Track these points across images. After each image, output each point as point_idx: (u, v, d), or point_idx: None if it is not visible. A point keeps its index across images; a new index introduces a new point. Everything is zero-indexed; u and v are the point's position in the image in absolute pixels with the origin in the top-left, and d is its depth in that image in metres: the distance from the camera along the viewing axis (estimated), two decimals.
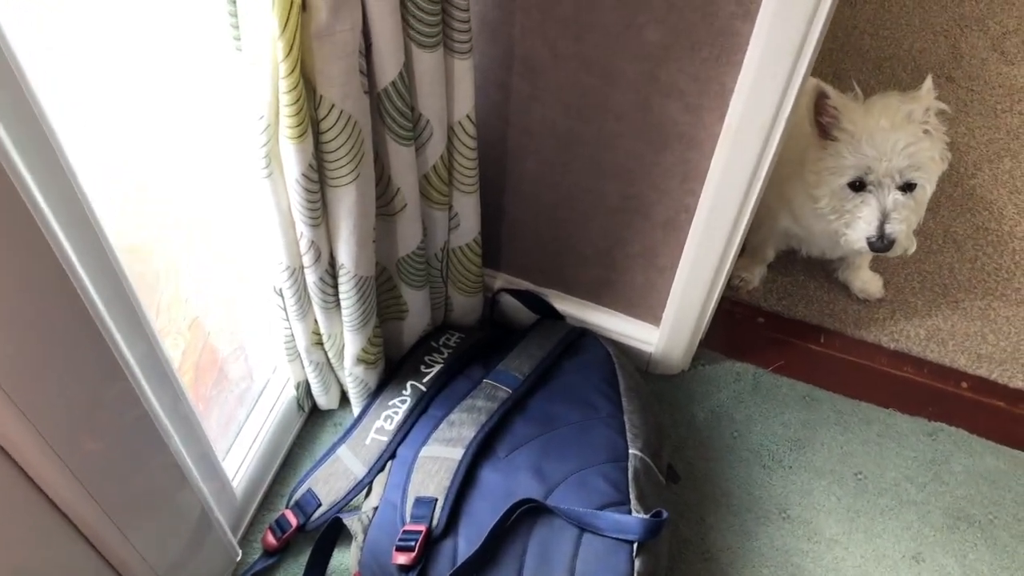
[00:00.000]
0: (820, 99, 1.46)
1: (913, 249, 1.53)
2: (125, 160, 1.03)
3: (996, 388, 1.71)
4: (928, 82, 1.48)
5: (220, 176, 1.19)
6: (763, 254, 1.81)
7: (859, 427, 1.64)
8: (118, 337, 0.90)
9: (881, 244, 1.49)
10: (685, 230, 1.38)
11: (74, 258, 0.81)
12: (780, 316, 1.81)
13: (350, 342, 1.34)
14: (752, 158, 1.21)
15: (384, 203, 1.24)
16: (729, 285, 1.83)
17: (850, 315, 1.81)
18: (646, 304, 1.58)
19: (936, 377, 1.72)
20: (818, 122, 1.49)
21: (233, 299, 1.37)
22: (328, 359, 1.43)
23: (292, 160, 1.02)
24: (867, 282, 1.82)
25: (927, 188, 1.49)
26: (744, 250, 1.81)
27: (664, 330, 1.58)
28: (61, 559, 0.99)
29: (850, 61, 2.29)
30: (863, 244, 1.51)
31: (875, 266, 1.85)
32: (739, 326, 1.79)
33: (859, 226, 1.50)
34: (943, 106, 1.48)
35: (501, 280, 1.67)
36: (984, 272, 1.88)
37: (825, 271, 1.86)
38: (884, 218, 1.47)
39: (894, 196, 1.47)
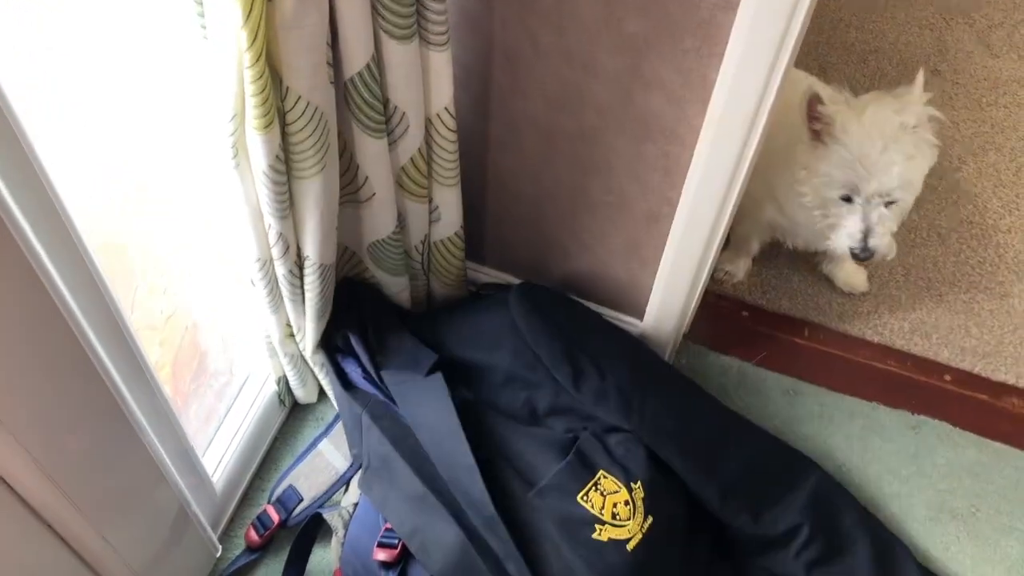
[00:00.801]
0: (812, 103, 1.44)
1: (893, 254, 1.53)
2: (97, 152, 1.02)
3: (979, 381, 1.71)
4: (920, 79, 1.46)
5: (194, 169, 1.18)
6: (748, 247, 1.80)
7: (843, 420, 1.64)
8: (90, 333, 0.89)
9: (864, 255, 1.50)
10: (668, 223, 1.37)
11: (42, 252, 0.79)
12: (764, 309, 1.80)
13: (311, 330, 1.34)
14: (735, 151, 1.20)
15: (352, 191, 1.23)
16: (713, 279, 1.83)
17: (834, 308, 1.81)
18: (630, 297, 1.57)
19: (920, 370, 1.72)
20: (811, 121, 1.46)
21: (211, 292, 1.36)
22: (300, 351, 1.42)
23: (259, 151, 1.00)
24: (851, 275, 1.82)
25: (911, 199, 1.50)
26: (728, 243, 1.80)
27: (648, 323, 1.57)
28: (34, 557, 0.98)
29: (835, 54, 2.28)
30: (845, 251, 1.52)
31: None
32: (724, 320, 1.78)
33: (842, 234, 1.50)
34: (937, 113, 1.46)
35: (484, 274, 1.66)
36: (968, 265, 1.88)
37: (809, 264, 1.86)
38: (868, 231, 1.48)
39: (879, 211, 1.46)
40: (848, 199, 1.47)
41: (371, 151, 1.15)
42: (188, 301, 1.31)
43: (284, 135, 1.04)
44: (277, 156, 1.03)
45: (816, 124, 1.45)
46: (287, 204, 1.12)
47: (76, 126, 0.96)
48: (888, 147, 1.41)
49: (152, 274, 1.20)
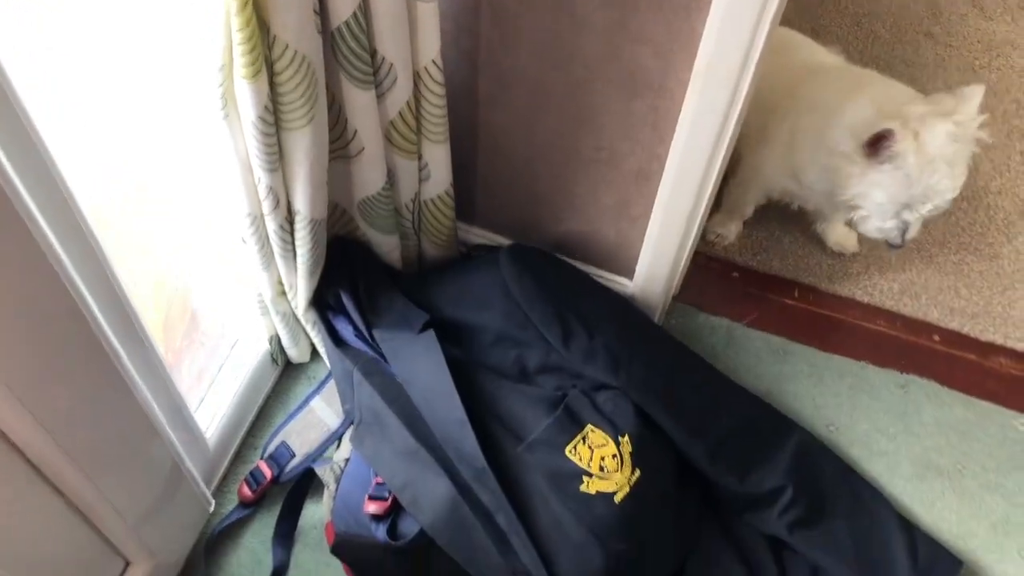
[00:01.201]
0: (883, 138, 1.40)
1: None
2: (97, 152, 1.03)
3: (968, 341, 1.72)
4: (978, 96, 1.43)
5: (183, 125, 1.18)
6: (742, 211, 1.81)
7: (832, 379, 1.65)
8: (83, 288, 0.90)
9: (899, 247, 1.53)
10: (657, 179, 1.38)
11: (32, 205, 0.80)
12: (755, 271, 1.81)
13: (303, 287, 1.34)
14: (722, 105, 1.20)
15: (341, 145, 1.23)
16: (704, 240, 1.83)
17: (824, 269, 1.82)
18: (620, 257, 1.58)
19: (909, 330, 1.73)
20: (873, 147, 1.43)
21: (203, 250, 1.36)
22: (292, 309, 1.43)
23: (248, 101, 1.01)
24: (843, 236, 1.82)
25: None
26: (720, 206, 1.81)
27: (638, 283, 1.58)
28: (32, 510, 0.99)
29: (828, 16, 2.27)
30: (878, 238, 1.54)
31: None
32: (714, 281, 1.79)
33: (876, 226, 1.52)
34: (986, 136, 1.45)
35: (475, 235, 1.66)
36: (958, 227, 1.89)
37: (800, 226, 1.86)
38: (906, 228, 1.50)
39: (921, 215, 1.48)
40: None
41: (359, 103, 1.15)
42: (178, 259, 1.31)
43: (272, 85, 1.04)
44: (265, 106, 1.03)
45: (882, 149, 1.42)
46: (277, 157, 1.12)
47: (75, 126, 0.96)
48: (946, 172, 1.41)
49: (140, 236, 1.20)
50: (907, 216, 1.48)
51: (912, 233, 1.51)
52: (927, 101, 1.45)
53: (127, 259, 1.15)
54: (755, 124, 1.65)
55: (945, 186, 1.42)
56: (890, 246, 1.55)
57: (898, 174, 1.42)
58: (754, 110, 1.63)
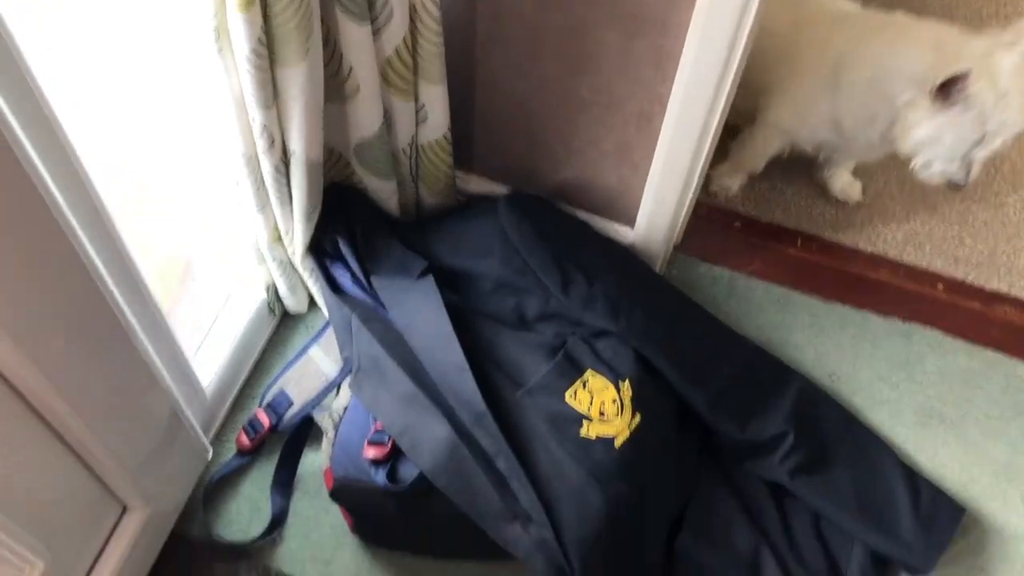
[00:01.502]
0: (959, 81, 1.36)
1: None
2: (97, 152, 1.02)
3: (972, 290, 1.71)
4: None
5: (176, 63, 1.16)
6: (755, 165, 1.78)
7: (834, 329, 1.64)
8: (80, 234, 0.89)
9: (963, 187, 1.50)
10: (659, 123, 1.35)
11: (33, 154, 0.79)
12: (757, 221, 1.79)
13: (300, 232, 1.33)
14: (726, 41, 1.18)
15: (336, 85, 1.21)
16: (707, 191, 1.81)
17: (827, 219, 1.80)
18: (621, 204, 1.56)
19: (912, 279, 1.72)
20: (942, 91, 1.39)
21: (198, 196, 1.35)
22: (289, 256, 1.41)
23: (241, 34, 0.98)
24: (848, 185, 1.80)
25: None
26: (727, 159, 1.79)
27: (639, 231, 1.56)
28: (33, 455, 0.99)
29: None
30: (940, 181, 1.51)
31: (854, 170, 1.83)
32: (716, 231, 1.77)
33: (942, 169, 1.48)
34: None
35: (474, 183, 1.64)
36: None
37: (804, 175, 1.84)
38: (971, 167, 1.47)
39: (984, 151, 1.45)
40: None
41: (354, 38, 1.13)
42: (174, 205, 1.30)
43: (266, 18, 1.01)
44: (259, 39, 1.01)
45: (953, 91, 1.38)
46: (271, 94, 1.10)
47: (76, 126, 0.95)
48: (1018, 105, 1.38)
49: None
50: (976, 154, 1.45)
51: (976, 172, 1.48)
52: (984, 37, 1.42)
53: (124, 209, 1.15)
54: (773, 79, 1.63)
55: (1016, 119, 1.39)
56: (953, 186, 1.51)
57: (970, 114, 1.39)
58: (771, 65, 1.61)
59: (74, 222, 0.87)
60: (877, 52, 1.52)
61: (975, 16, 2.14)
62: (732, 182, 1.81)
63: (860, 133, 1.58)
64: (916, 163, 1.50)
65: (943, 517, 1.39)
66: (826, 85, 1.58)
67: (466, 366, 1.24)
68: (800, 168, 1.83)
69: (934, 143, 1.45)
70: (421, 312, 1.33)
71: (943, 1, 2.17)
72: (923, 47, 1.45)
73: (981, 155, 1.45)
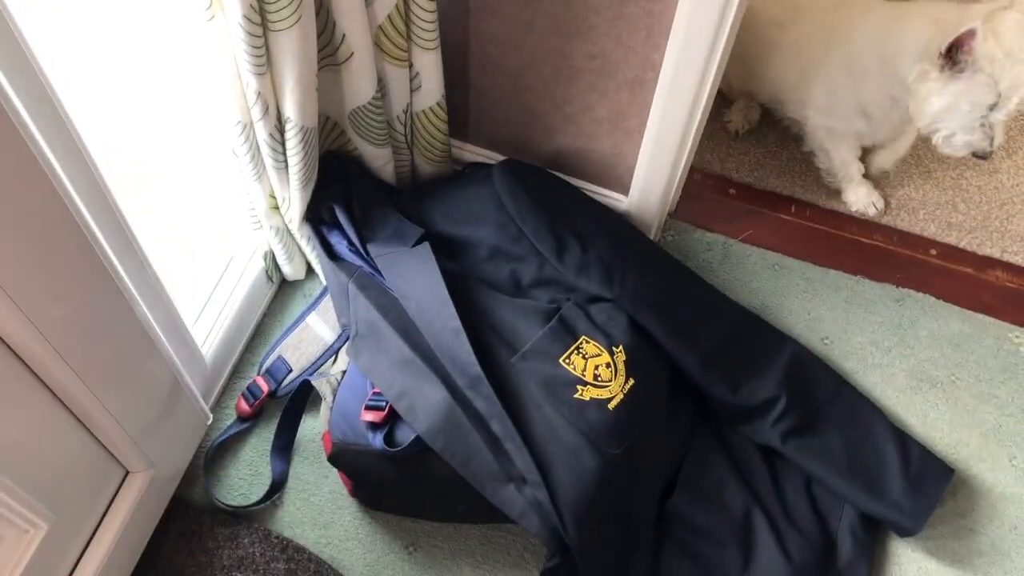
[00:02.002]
0: (966, 39, 1.38)
1: None
2: (95, 130, 1.02)
3: (965, 255, 1.72)
4: None
5: (171, 32, 1.16)
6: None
7: (827, 294, 1.65)
8: (78, 200, 0.90)
9: (989, 155, 1.51)
10: (652, 89, 1.36)
11: (29, 120, 0.80)
12: (751, 187, 1.80)
13: (296, 200, 1.34)
14: (717, 6, 1.18)
15: (330, 52, 1.21)
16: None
17: (822, 186, 1.81)
18: (615, 172, 1.57)
19: (905, 245, 1.73)
20: (949, 56, 1.41)
21: (196, 172, 1.36)
22: (286, 224, 1.42)
23: None
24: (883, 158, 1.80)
25: None
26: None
27: (633, 198, 1.57)
28: (35, 419, 1.01)
29: None
30: (965, 152, 1.52)
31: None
32: (710, 198, 1.78)
33: (962, 140, 1.50)
34: None
35: (469, 152, 1.65)
36: None
37: (798, 142, 1.84)
38: (992, 133, 1.48)
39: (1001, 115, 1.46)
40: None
41: (347, 4, 1.13)
42: (169, 172, 1.31)
43: None
44: (251, 5, 1.01)
45: (961, 57, 1.40)
46: (264, 59, 1.10)
47: (75, 104, 0.95)
48: None
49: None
50: (994, 117, 1.46)
51: (999, 138, 1.49)
52: (979, 5, 1.44)
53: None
54: (790, 77, 1.68)
55: None
56: (978, 157, 1.53)
57: (980, 77, 1.41)
58: (783, 59, 1.67)
59: (72, 191, 0.89)
60: (879, 34, 1.53)
61: None
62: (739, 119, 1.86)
63: (886, 117, 1.61)
64: (937, 138, 1.52)
65: (932, 478, 1.41)
66: (843, 75, 1.60)
67: (461, 330, 1.25)
68: (794, 135, 1.83)
69: (951, 112, 1.47)
70: (417, 278, 1.34)
71: None
72: (923, 22, 1.47)
73: (1000, 117, 1.46)
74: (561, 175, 1.60)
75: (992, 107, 1.44)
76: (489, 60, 1.45)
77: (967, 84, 1.42)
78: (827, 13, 1.62)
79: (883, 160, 1.81)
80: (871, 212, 1.77)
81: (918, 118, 1.51)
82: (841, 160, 1.73)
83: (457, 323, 1.26)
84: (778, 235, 1.72)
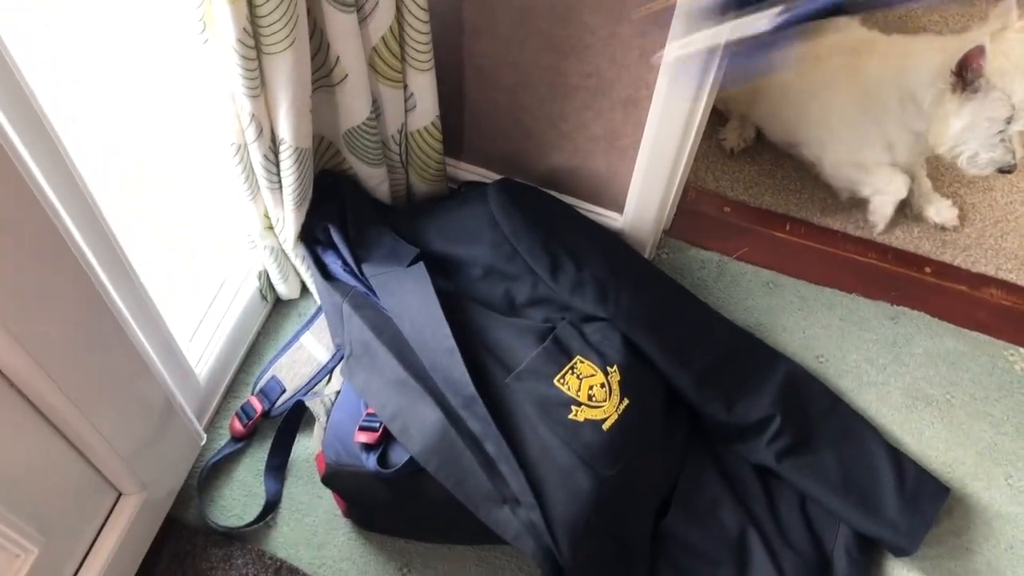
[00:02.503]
0: (975, 57, 1.43)
1: None
2: (97, 131, 1.03)
3: (959, 273, 1.72)
4: (1013, 6, 1.47)
5: (168, 53, 1.17)
6: (898, 191, 1.75)
7: (822, 311, 1.65)
8: (72, 228, 0.91)
9: (1013, 168, 1.55)
10: (646, 108, 1.36)
11: (18, 142, 0.80)
12: (746, 205, 1.80)
13: (290, 220, 1.34)
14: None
15: (324, 73, 1.22)
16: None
17: (816, 203, 1.81)
18: (610, 191, 1.57)
19: (900, 262, 1.73)
20: (960, 76, 1.47)
21: (195, 173, 1.35)
22: (280, 244, 1.42)
23: (227, 22, 0.99)
24: (946, 208, 1.80)
25: None
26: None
27: (628, 217, 1.57)
28: (27, 442, 1.00)
29: None
30: (991, 170, 1.56)
31: None
32: (705, 215, 1.78)
33: (986, 158, 1.54)
34: None
35: (464, 171, 1.65)
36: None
37: (793, 160, 1.85)
38: (1013, 147, 1.52)
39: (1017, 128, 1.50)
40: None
41: (341, 27, 1.13)
42: (168, 201, 1.31)
43: (251, 6, 1.02)
44: (244, 28, 1.02)
45: (972, 75, 1.46)
46: (258, 82, 1.11)
47: (73, 103, 0.95)
48: None
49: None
50: (1012, 130, 1.49)
51: (1020, 150, 1.53)
52: (975, 30, 1.49)
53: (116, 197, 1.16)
54: (806, 118, 1.73)
55: None
56: (1004, 171, 1.56)
57: (994, 93, 1.45)
58: (813, 109, 1.70)
59: (63, 212, 0.89)
60: (893, 73, 1.58)
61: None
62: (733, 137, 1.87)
63: (910, 152, 1.66)
64: (962, 160, 1.56)
65: (927, 497, 1.40)
66: (865, 116, 1.64)
67: (456, 349, 1.25)
68: (789, 153, 1.84)
69: (971, 131, 1.51)
70: (412, 297, 1.34)
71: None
72: (931, 52, 1.52)
73: (1017, 128, 1.49)
74: (556, 193, 1.61)
75: (1008, 120, 1.48)
76: (484, 79, 1.46)
77: (982, 102, 1.47)
78: (843, 57, 1.66)
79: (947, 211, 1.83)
80: (953, 223, 1.78)
81: (939, 143, 1.55)
82: (885, 179, 1.72)
83: (451, 343, 1.26)
84: (773, 253, 1.72)
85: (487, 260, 1.42)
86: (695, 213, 1.77)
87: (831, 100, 1.68)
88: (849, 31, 1.72)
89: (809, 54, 1.68)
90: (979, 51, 1.42)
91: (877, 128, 1.64)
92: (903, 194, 1.71)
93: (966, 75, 1.46)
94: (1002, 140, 1.51)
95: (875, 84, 1.61)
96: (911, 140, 1.63)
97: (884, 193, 1.72)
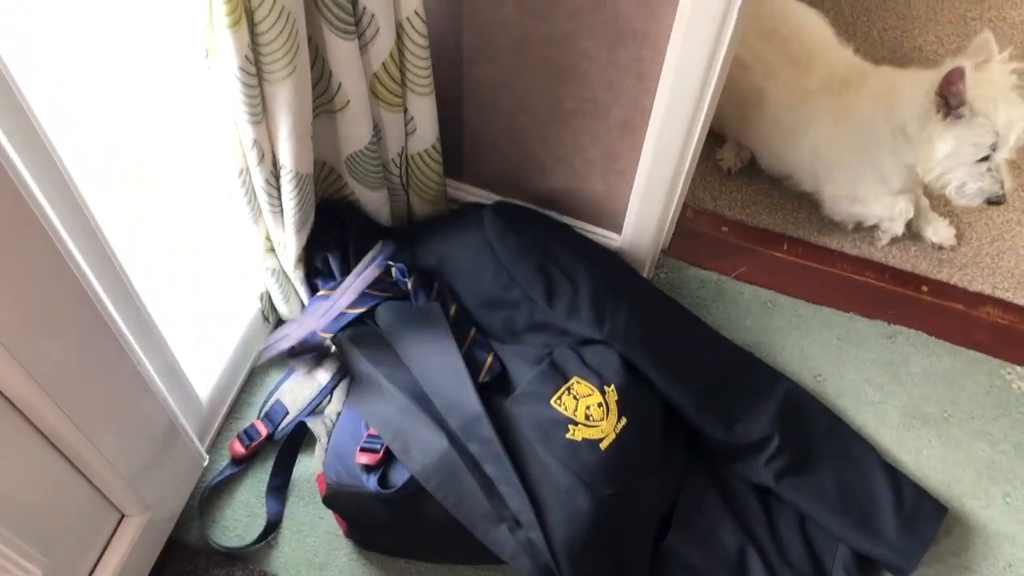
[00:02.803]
0: (955, 77, 1.46)
1: None
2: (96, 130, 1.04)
3: (956, 291, 1.73)
4: (991, 40, 1.50)
5: (170, 80, 1.19)
6: (904, 215, 1.77)
7: (820, 331, 1.66)
8: (74, 250, 0.91)
9: (1001, 200, 1.57)
10: (643, 132, 1.38)
11: (20, 165, 0.81)
12: (744, 224, 1.82)
13: (292, 243, 1.35)
14: (706, 51, 1.20)
15: (326, 100, 1.23)
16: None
17: (814, 223, 1.82)
18: (608, 211, 1.58)
19: (897, 282, 1.74)
20: (943, 99, 1.50)
21: (196, 174, 1.37)
22: (282, 266, 1.44)
23: (229, 51, 1.01)
24: (942, 228, 1.81)
25: None
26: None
27: (626, 237, 1.59)
28: (29, 464, 1.01)
29: None
30: (979, 201, 1.58)
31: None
32: (703, 235, 1.79)
33: (974, 189, 1.56)
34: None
35: (464, 191, 1.67)
36: None
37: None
38: (1001, 178, 1.55)
39: (1003, 158, 1.53)
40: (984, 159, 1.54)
41: (342, 54, 1.15)
42: (170, 226, 1.32)
43: (253, 35, 1.04)
44: (246, 57, 1.04)
45: (954, 100, 1.48)
46: (260, 109, 1.12)
47: (74, 102, 0.97)
48: (1017, 101, 1.48)
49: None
50: (997, 158, 1.52)
51: (1008, 180, 1.56)
52: (958, 60, 1.51)
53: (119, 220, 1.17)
54: (808, 158, 1.74)
55: (1021, 112, 1.48)
56: (993, 203, 1.59)
57: (977, 119, 1.48)
58: (806, 145, 1.72)
59: (65, 235, 0.89)
60: (883, 108, 1.61)
61: (959, 20, 2.16)
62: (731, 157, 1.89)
63: (903, 184, 1.69)
64: (950, 190, 1.58)
65: (926, 516, 1.41)
66: (857, 153, 1.67)
67: (465, 371, 1.27)
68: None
69: (955, 157, 1.53)
70: (415, 318, 1.36)
71: (928, 6, 2.19)
72: (916, 84, 1.55)
73: (1003, 156, 1.52)
74: (554, 214, 1.62)
75: (993, 147, 1.50)
76: (483, 102, 1.48)
77: (966, 128, 1.49)
78: (833, 93, 1.68)
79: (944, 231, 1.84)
80: (951, 242, 1.79)
81: (925, 169, 1.57)
82: (887, 208, 1.74)
83: (460, 364, 1.27)
84: (771, 272, 1.74)
85: (487, 290, 1.44)
86: (693, 233, 1.78)
87: (822, 136, 1.70)
88: (840, 61, 1.73)
89: (799, 87, 1.70)
90: (959, 73, 1.44)
91: (870, 162, 1.67)
92: (910, 214, 1.73)
93: (949, 99, 1.48)
94: (989, 169, 1.53)
95: (867, 120, 1.63)
96: (904, 172, 1.65)
97: (891, 220, 1.74)
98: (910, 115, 1.55)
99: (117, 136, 1.12)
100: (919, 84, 1.55)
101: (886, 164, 1.65)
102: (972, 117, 1.48)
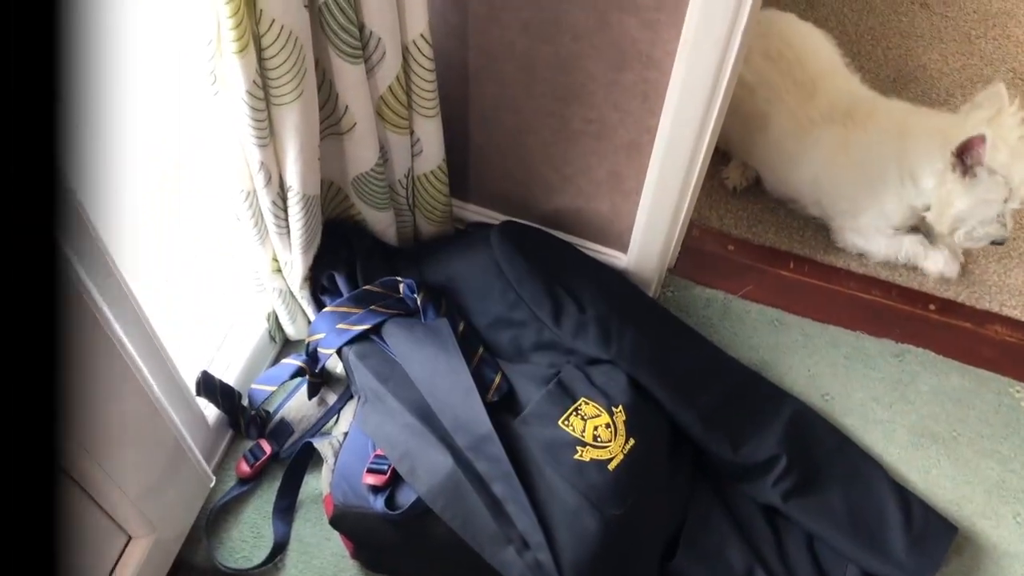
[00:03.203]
0: (976, 144, 1.50)
1: None
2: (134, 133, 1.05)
3: (963, 310, 1.73)
4: (1004, 92, 1.54)
5: (176, 105, 1.19)
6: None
7: (827, 350, 1.66)
8: (80, 270, 0.91)
9: (1003, 241, 1.64)
10: (648, 152, 1.38)
11: None
12: (750, 243, 1.82)
13: (298, 264, 1.36)
14: (711, 73, 1.21)
15: (333, 122, 1.24)
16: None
17: (820, 241, 1.82)
18: (614, 231, 1.59)
19: (904, 300, 1.74)
20: (961, 159, 1.54)
21: (199, 226, 1.38)
22: (289, 286, 1.44)
23: (237, 76, 1.02)
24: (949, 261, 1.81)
25: None
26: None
27: (632, 256, 1.59)
28: None
29: None
30: (985, 243, 1.64)
31: None
32: (709, 254, 1.80)
33: (985, 232, 1.62)
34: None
35: (470, 211, 1.67)
36: None
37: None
38: (1005, 223, 1.60)
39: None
40: None
41: (349, 79, 1.16)
42: (175, 244, 1.33)
43: (260, 60, 1.05)
44: (254, 81, 1.04)
45: (972, 161, 1.53)
46: (267, 132, 1.13)
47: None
48: None
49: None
50: (1007, 208, 1.57)
51: (1011, 224, 1.61)
52: (971, 112, 1.57)
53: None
54: (812, 188, 1.77)
55: None
56: (996, 244, 1.65)
57: (995, 178, 1.53)
58: (809, 174, 1.75)
59: (72, 257, 0.88)
60: (893, 150, 1.64)
61: (963, 38, 2.17)
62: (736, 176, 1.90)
63: (904, 223, 1.73)
64: (959, 235, 1.63)
65: (935, 536, 1.40)
66: (863, 188, 1.69)
67: (474, 389, 1.27)
68: None
69: (971, 213, 1.58)
70: (424, 335, 1.36)
71: (931, 24, 2.20)
72: (929, 134, 1.60)
73: (1013, 207, 1.57)
74: (560, 233, 1.63)
75: (1005, 200, 1.55)
76: (489, 123, 1.49)
77: (985, 186, 1.54)
78: (837, 124, 1.69)
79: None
80: (954, 274, 1.78)
81: (940, 223, 1.62)
82: (893, 249, 1.76)
83: (470, 382, 1.27)
84: (777, 291, 1.74)
85: (494, 310, 1.45)
86: (699, 251, 1.79)
87: (824, 167, 1.71)
88: (845, 89, 1.74)
89: (802, 115, 1.71)
90: (980, 140, 1.48)
91: (873, 198, 1.69)
92: (919, 249, 1.76)
93: (966, 160, 1.52)
94: (998, 216, 1.57)
95: (874, 158, 1.66)
96: (907, 212, 1.69)
97: (896, 256, 1.76)
98: (923, 166, 1.59)
99: (128, 156, 1.12)
100: (933, 133, 1.58)
101: (890, 203, 1.68)
102: (991, 175, 1.52)
